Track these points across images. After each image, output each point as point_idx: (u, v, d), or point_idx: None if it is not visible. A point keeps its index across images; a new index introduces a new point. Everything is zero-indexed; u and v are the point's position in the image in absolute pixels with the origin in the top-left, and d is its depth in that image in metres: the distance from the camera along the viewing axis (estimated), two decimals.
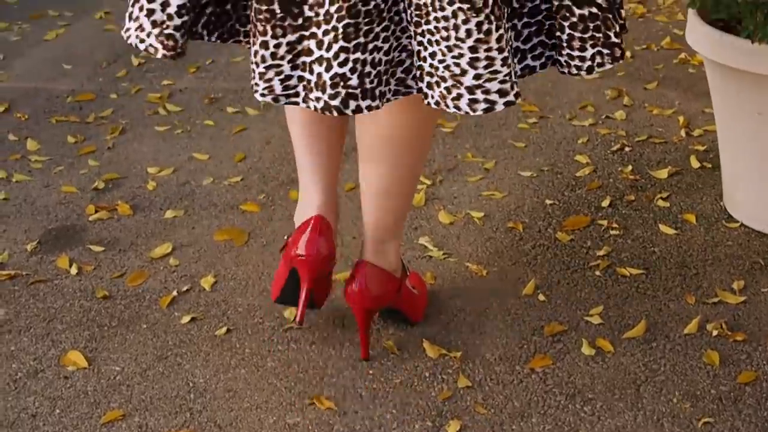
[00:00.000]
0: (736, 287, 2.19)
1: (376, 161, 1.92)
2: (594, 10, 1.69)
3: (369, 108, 1.69)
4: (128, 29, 1.77)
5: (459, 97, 1.67)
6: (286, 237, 2.07)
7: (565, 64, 1.74)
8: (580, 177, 2.61)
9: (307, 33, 1.67)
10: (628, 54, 3.27)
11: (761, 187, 2.32)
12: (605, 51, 1.72)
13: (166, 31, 1.71)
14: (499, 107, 1.68)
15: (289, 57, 1.69)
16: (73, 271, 2.31)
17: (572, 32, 1.70)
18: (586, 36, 1.70)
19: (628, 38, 3.40)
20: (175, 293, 2.23)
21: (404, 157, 1.91)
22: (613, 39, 1.72)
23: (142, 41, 1.74)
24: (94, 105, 3.12)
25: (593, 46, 1.71)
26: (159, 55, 1.73)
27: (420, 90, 1.72)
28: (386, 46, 1.69)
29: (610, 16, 1.71)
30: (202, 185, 2.65)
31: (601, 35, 1.71)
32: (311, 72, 1.68)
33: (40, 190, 2.66)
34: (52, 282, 2.29)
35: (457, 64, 1.65)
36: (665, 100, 2.99)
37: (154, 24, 1.71)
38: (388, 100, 1.73)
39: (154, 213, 2.54)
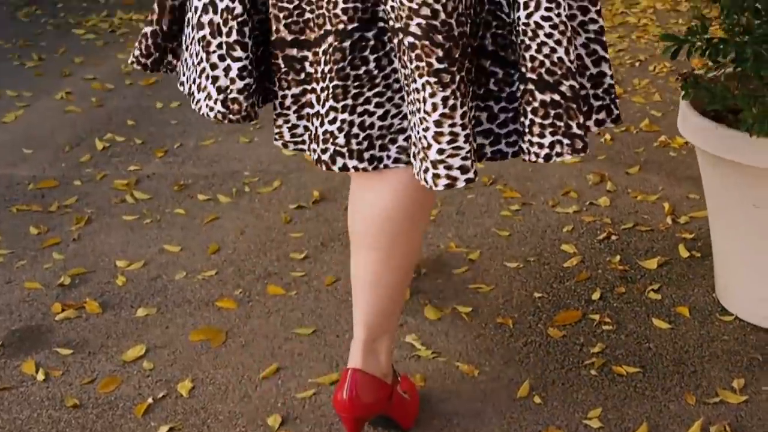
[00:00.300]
0: (736, 386, 2.10)
1: (369, 248, 1.86)
2: (557, 97, 1.66)
3: (356, 168, 1.72)
4: (198, 101, 1.81)
5: (426, 170, 1.67)
6: None
7: (526, 150, 1.72)
8: (567, 268, 2.53)
9: (309, 87, 1.76)
10: (607, 137, 3.21)
11: (756, 281, 2.25)
12: (565, 141, 1.67)
13: (230, 96, 1.76)
14: (460, 184, 1.66)
15: (294, 108, 1.78)
16: (40, 377, 2.18)
17: (533, 117, 1.68)
18: (545, 123, 1.67)
19: None
20: (150, 400, 2.10)
21: (398, 245, 1.86)
22: (575, 130, 1.67)
23: (211, 109, 1.78)
24: (57, 192, 3.00)
25: (552, 134, 1.68)
26: (226, 121, 1.79)
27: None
28: (380, 112, 1.72)
29: (574, 106, 1.67)
30: (175, 280, 2.53)
31: (562, 124, 1.67)
32: (312, 123, 1.75)
33: (1, 286, 2.53)
34: (17, 389, 2.15)
35: (424, 137, 1.65)
36: (648, 185, 2.93)
37: (219, 90, 1.77)
38: (386, 166, 1.74)
39: (124, 311, 2.41)
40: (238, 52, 1.75)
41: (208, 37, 1.76)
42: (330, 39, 1.69)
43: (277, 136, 1.82)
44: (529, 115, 1.68)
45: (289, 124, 1.80)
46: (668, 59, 3.83)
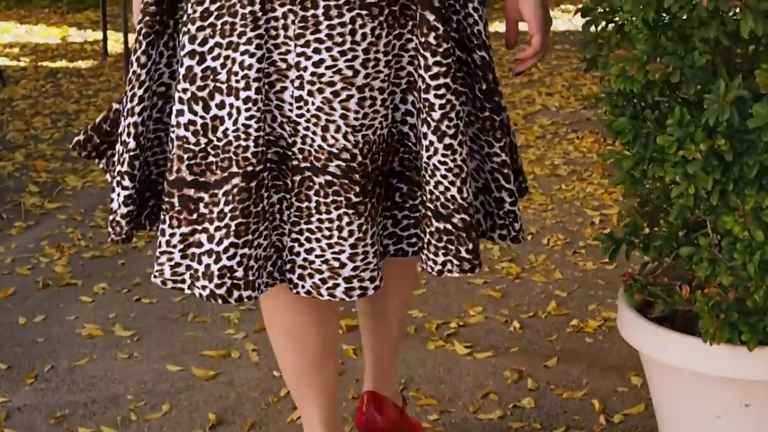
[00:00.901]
0: None
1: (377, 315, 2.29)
2: (449, 226, 1.89)
3: (249, 298, 1.86)
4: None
5: (335, 286, 1.88)
6: None
7: (424, 261, 1.96)
8: None
9: (199, 227, 1.86)
10: (516, 325, 3.03)
11: None
12: (455, 262, 1.91)
13: (115, 218, 1.95)
14: (371, 291, 1.90)
15: (180, 246, 1.88)
16: None
17: (429, 239, 1.92)
18: (440, 245, 1.91)
19: (511, 305, 3.17)
20: None
21: (401, 308, 2.32)
22: (464, 254, 1.90)
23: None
24: None
25: (444, 255, 1.91)
26: (109, 239, 1.98)
27: (289, 281, 1.92)
28: (265, 243, 1.88)
29: (464, 234, 1.89)
30: None
31: (453, 248, 1.90)
32: (200, 262, 1.85)
33: None
34: None
35: (337, 259, 1.86)
36: (571, 380, 2.73)
37: (110, 211, 1.97)
38: (261, 291, 1.89)
39: None
40: (126, 182, 1.93)
41: (115, 162, 1.98)
42: (236, 180, 1.81)
43: (156, 273, 1.91)
44: (427, 236, 1.92)
45: (172, 263, 1.89)
46: (561, 231, 3.72)
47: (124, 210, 1.93)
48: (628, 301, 2.05)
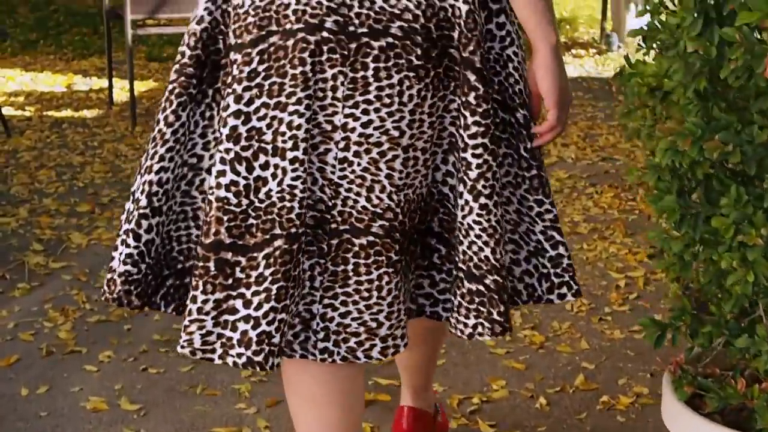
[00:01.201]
0: None
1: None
2: (481, 288, 1.88)
3: (277, 365, 1.84)
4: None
5: (372, 347, 1.87)
6: None
7: (453, 325, 1.96)
8: None
9: (234, 293, 1.82)
10: (543, 401, 2.87)
11: None
12: (486, 324, 1.90)
13: (112, 277, 1.93)
14: (401, 349, 1.91)
15: (213, 314, 1.83)
16: None
17: (461, 300, 1.92)
18: (471, 307, 1.91)
19: (536, 378, 3.01)
20: None
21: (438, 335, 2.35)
22: (496, 317, 1.89)
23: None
24: None
25: (476, 317, 1.91)
26: (102, 297, 1.98)
27: (321, 350, 1.88)
28: (294, 309, 1.86)
29: (496, 297, 1.88)
30: None
31: (484, 310, 1.90)
32: (234, 330, 1.81)
33: None
34: None
35: (375, 319, 1.85)
36: None
37: (109, 269, 1.96)
38: (303, 356, 1.89)
39: None
40: (130, 240, 1.90)
41: (123, 221, 1.95)
42: (279, 242, 1.79)
43: (185, 343, 1.84)
44: (458, 298, 1.92)
45: (203, 331, 1.83)
46: (585, 295, 3.57)
47: (122, 268, 1.91)
48: (677, 394, 1.90)
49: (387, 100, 1.80)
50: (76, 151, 5.54)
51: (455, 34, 1.82)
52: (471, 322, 1.91)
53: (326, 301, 1.86)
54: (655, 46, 1.90)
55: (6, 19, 9.74)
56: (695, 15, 1.70)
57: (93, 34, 9.08)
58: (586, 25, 9.51)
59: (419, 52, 1.80)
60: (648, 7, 1.88)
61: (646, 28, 1.88)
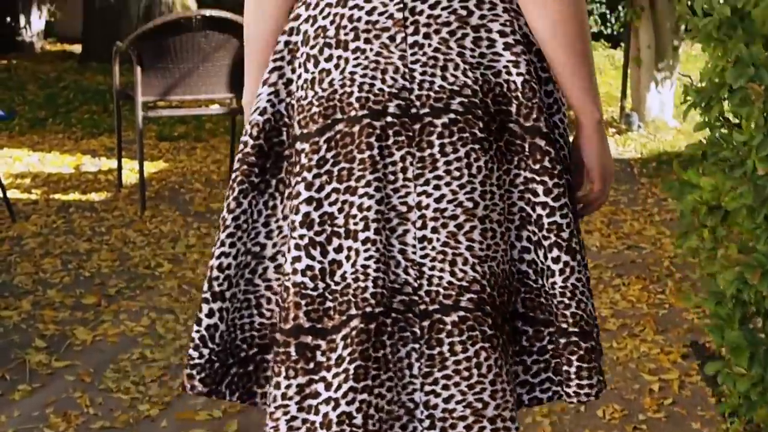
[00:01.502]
0: None
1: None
2: (593, 343, 1.90)
3: None
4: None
5: (482, 429, 1.83)
6: None
7: (574, 394, 1.91)
8: None
9: (316, 377, 1.82)
10: None
11: None
12: (600, 378, 1.92)
13: (191, 362, 1.93)
14: (513, 430, 1.85)
15: (297, 398, 1.83)
16: None
17: (580, 364, 1.88)
18: (591, 366, 1.89)
19: None
20: None
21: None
22: (600, 367, 1.92)
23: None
24: None
25: (597, 374, 1.90)
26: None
27: None
28: (389, 396, 1.82)
29: (599, 347, 1.93)
30: None
31: (598, 366, 1.91)
32: (317, 413, 1.81)
33: None
34: None
35: (480, 399, 1.82)
36: None
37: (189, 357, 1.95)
38: None
39: None
40: (195, 325, 1.92)
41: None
42: (355, 322, 1.80)
43: (271, 430, 1.84)
44: (574, 364, 1.89)
45: (288, 416, 1.84)
46: (617, 400, 3.36)
47: (189, 352, 1.94)
48: None
49: (456, 173, 1.82)
50: (82, 237, 5.38)
51: (513, 108, 1.86)
52: (594, 380, 1.90)
53: (427, 387, 1.85)
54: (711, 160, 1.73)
55: (15, 96, 9.65)
56: (765, 134, 1.52)
57: (103, 112, 8.98)
58: (605, 103, 9.33)
59: (481, 125, 1.83)
60: (706, 119, 1.71)
61: (704, 142, 1.71)
